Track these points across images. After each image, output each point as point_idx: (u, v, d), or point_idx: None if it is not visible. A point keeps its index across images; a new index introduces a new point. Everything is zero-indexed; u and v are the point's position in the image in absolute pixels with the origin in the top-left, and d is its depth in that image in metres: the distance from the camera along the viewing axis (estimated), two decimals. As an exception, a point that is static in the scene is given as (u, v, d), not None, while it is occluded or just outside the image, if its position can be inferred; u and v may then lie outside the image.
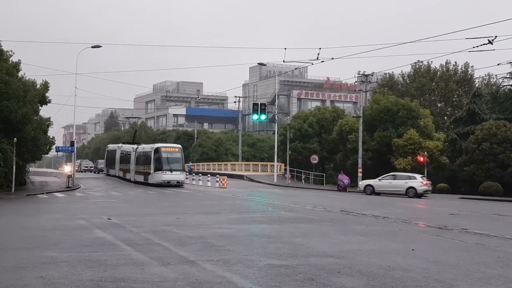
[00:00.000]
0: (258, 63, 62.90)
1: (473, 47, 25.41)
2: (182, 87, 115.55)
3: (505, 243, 12.62)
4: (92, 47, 39.09)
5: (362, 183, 36.27)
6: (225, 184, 38.34)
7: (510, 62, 40.91)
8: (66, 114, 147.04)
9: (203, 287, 7.54)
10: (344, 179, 38.87)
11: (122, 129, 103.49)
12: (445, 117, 56.71)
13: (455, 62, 58.22)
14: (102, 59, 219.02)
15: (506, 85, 44.77)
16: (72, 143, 40.97)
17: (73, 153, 42.04)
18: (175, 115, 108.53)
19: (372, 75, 44.42)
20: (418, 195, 32.41)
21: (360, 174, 39.75)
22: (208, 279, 8.03)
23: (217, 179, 39.71)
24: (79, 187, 36.83)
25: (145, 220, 16.44)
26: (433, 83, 57.66)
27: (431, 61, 58.36)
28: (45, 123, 36.24)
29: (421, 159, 36.59)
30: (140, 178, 41.35)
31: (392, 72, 61.48)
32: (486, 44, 24.40)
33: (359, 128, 41.67)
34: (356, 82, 46.67)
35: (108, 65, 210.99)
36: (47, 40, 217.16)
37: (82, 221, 15.92)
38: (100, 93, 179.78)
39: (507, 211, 23.02)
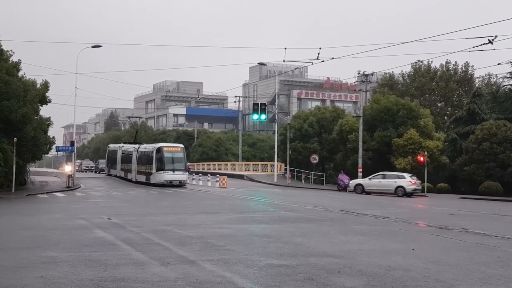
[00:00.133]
0: (258, 63, 62.89)
1: (473, 47, 25.42)
2: (182, 87, 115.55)
3: (505, 243, 12.62)
4: (92, 46, 39.08)
5: (352, 182, 36.61)
6: (225, 184, 38.32)
7: (510, 62, 40.91)
8: (66, 114, 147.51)
9: (203, 287, 7.54)
10: (344, 179, 38.92)
11: (122, 129, 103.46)
12: (445, 117, 56.72)
13: (455, 62, 58.41)
14: (102, 59, 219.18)
15: (506, 85, 44.76)
16: (72, 143, 40.96)
17: (73, 153, 42.02)
18: (175, 115, 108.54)
19: (372, 75, 44.42)
20: (407, 194, 32.78)
21: (360, 174, 39.73)
22: (208, 279, 8.03)
23: (217, 179, 39.65)
24: (79, 187, 36.82)
25: (145, 220, 16.44)
26: (433, 83, 57.69)
27: (431, 61, 58.51)
28: (45, 123, 36.25)
29: (421, 159, 36.59)
30: (142, 178, 41.09)
31: (392, 72, 61.61)
32: (486, 43, 24.40)
33: (359, 128, 41.67)
34: (356, 82, 46.69)
35: (108, 65, 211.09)
36: (47, 40, 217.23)
37: (82, 221, 15.92)
38: (100, 93, 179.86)
39: (507, 211, 23.02)
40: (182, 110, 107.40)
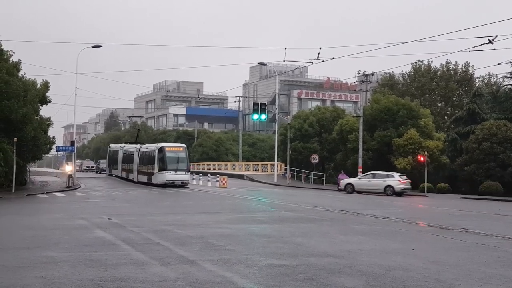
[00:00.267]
0: (258, 63, 62.88)
1: (474, 47, 25.41)
2: (183, 87, 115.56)
3: (506, 242, 12.62)
4: (93, 46, 39.10)
5: (343, 182, 36.87)
6: (225, 184, 38.30)
7: (511, 62, 40.87)
8: (66, 114, 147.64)
9: (203, 287, 7.54)
10: (345, 178, 38.93)
11: (123, 128, 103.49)
12: (446, 117, 56.70)
13: (456, 62, 58.33)
14: (103, 59, 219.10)
15: (507, 85, 44.74)
16: (72, 143, 40.98)
17: (73, 153, 42.02)
18: (175, 115, 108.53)
19: (373, 75, 44.43)
20: (396, 193, 33.24)
21: (360, 174, 39.72)
22: (208, 278, 8.03)
23: (217, 179, 39.58)
24: (80, 187, 36.83)
25: (145, 219, 16.44)
26: (434, 83, 57.67)
27: (432, 61, 58.45)
28: (46, 123, 36.27)
29: (422, 158, 36.59)
30: (144, 179, 40.74)
31: (393, 71, 61.58)
32: (487, 43, 24.40)
33: (360, 127, 41.67)
34: (356, 81, 46.70)
35: (108, 65, 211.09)
36: (48, 40, 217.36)
37: (82, 221, 15.93)
38: (101, 93, 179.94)
39: (507, 210, 23.01)
40: (182, 110, 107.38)
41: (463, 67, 57.88)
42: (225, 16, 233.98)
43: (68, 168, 40.39)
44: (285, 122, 53.78)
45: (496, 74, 67.60)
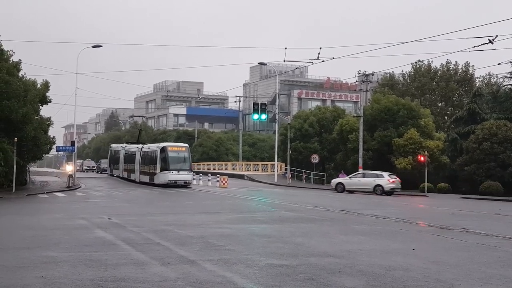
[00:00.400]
0: (258, 63, 62.85)
1: (474, 47, 25.38)
2: (183, 87, 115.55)
3: (506, 242, 12.61)
4: (93, 46, 39.09)
5: (334, 181, 37.45)
6: (226, 183, 38.28)
7: (511, 62, 40.85)
8: (66, 114, 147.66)
9: (204, 287, 7.54)
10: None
11: (123, 128, 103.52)
12: (446, 117, 56.71)
13: (456, 62, 58.35)
14: (103, 59, 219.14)
15: (507, 85, 44.73)
16: (72, 143, 40.98)
17: (73, 153, 42.01)
18: (176, 115, 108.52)
19: (373, 75, 44.43)
20: (385, 192, 33.69)
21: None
22: (209, 278, 8.02)
23: (218, 179, 39.52)
24: (80, 187, 36.81)
25: (145, 219, 16.44)
26: (434, 83, 57.67)
27: (432, 61, 58.47)
28: (46, 123, 36.28)
29: (422, 158, 36.59)
30: (146, 179, 40.36)
31: (393, 71, 61.65)
32: (487, 43, 24.37)
33: (360, 127, 41.67)
34: (356, 81, 46.66)
35: (108, 65, 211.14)
36: (48, 40, 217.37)
37: (82, 221, 15.93)
38: (101, 92, 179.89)
39: (508, 210, 23.00)
40: (182, 110, 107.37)
41: (463, 67, 57.90)
42: (225, 16, 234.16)
43: (69, 168, 40.35)
44: (285, 122, 53.77)
45: (496, 74, 67.69)
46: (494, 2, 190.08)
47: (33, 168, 53.70)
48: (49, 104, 36.86)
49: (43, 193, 30.99)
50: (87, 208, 21.28)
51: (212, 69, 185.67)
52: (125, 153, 48.24)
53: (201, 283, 7.71)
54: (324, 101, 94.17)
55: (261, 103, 44.28)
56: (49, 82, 36.22)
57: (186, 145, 41.08)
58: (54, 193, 31.10)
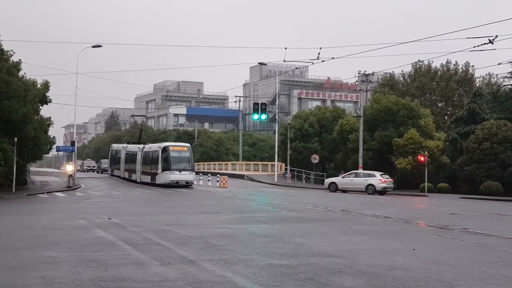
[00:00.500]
0: (258, 63, 62.87)
1: (474, 47, 25.37)
2: (183, 87, 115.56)
3: (506, 242, 12.61)
4: (93, 46, 39.08)
5: (327, 181, 38.16)
6: (226, 183, 38.27)
7: (511, 62, 40.85)
8: (66, 114, 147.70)
9: (204, 287, 7.53)
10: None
11: (123, 128, 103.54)
12: (446, 117, 56.70)
13: (456, 62, 58.31)
14: (103, 59, 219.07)
15: (507, 85, 44.74)
16: (72, 143, 40.98)
17: (73, 153, 42.01)
18: (176, 115, 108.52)
19: (373, 75, 44.44)
20: (377, 191, 34.19)
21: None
22: (209, 278, 8.02)
23: (218, 179, 39.48)
24: (80, 187, 36.80)
25: (145, 219, 16.44)
26: (434, 83, 57.66)
27: (432, 61, 58.44)
28: (46, 123, 36.30)
29: (422, 158, 36.59)
30: (147, 179, 40.06)
31: (393, 71, 61.63)
32: (487, 43, 24.36)
33: (360, 127, 41.67)
34: (356, 81, 46.64)
35: (109, 65, 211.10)
36: (48, 40, 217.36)
37: (82, 221, 15.92)
38: (101, 92, 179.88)
39: (508, 210, 23.00)
40: (182, 110, 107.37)
41: (464, 67, 57.89)
42: (225, 16, 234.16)
43: (69, 168, 40.34)
44: (286, 122, 53.78)
45: (497, 74, 67.64)
46: (494, 2, 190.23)
47: (33, 168, 53.72)
48: (49, 104, 36.89)
49: (43, 193, 30.99)
50: (87, 208, 21.27)
51: (212, 69, 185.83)
52: (126, 153, 47.95)
53: (201, 283, 7.71)
54: (324, 101, 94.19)
55: (261, 103, 44.25)
56: (49, 82, 36.24)
57: (188, 144, 40.74)
58: (54, 193, 31.10)
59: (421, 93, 56.64)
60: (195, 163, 66.77)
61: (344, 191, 35.65)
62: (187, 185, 37.29)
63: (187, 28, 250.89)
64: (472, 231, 14.53)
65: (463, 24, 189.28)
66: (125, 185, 40.57)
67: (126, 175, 47.06)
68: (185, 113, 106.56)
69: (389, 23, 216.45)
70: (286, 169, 50.66)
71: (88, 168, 73.85)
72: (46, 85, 35.91)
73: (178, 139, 74.33)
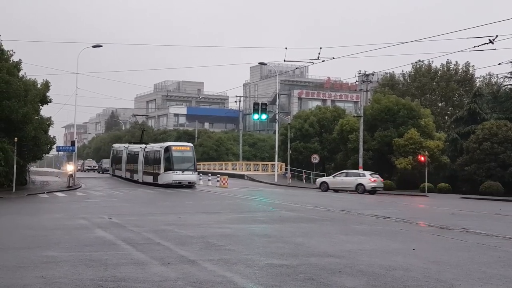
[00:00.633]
0: (259, 63, 62.88)
1: (474, 47, 25.35)
2: (183, 87, 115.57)
3: (506, 242, 12.61)
4: (93, 46, 39.07)
5: (318, 180, 38.78)
6: (226, 183, 38.26)
7: (511, 62, 40.85)
8: (67, 114, 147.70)
9: (204, 287, 7.54)
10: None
11: (123, 128, 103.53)
12: (446, 117, 56.68)
13: (456, 62, 58.31)
14: (103, 59, 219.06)
15: (507, 85, 44.73)
16: (73, 143, 40.98)
17: (74, 153, 42.00)
18: (176, 115, 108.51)
19: (373, 75, 44.44)
20: (367, 191, 34.72)
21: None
22: (209, 278, 8.02)
23: (218, 179, 39.44)
24: (80, 187, 36.79)
25: (145, 219, 16.44)
26: (434, 83, 57.66)
27: (432, 61, 58.44)
28: (46, 123, 36.30)
29: (422, 158, 36.59)
30: (149, 179, 39.69)
31: (393, 71, 61.64)
32: (487, 43, 24.34)
33: (360, 127, 41.67)
34: (357, 81, 46.63)
35: (109, 65, 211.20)
36: (48, 40, 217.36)
37: (82, 221, 15.93)
38: (101, 92, 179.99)
39: (508, 210, 23.00)
40: (182, 110, 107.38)
41: (464, 67, 57.88)
42: (225, 16, 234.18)
43: (69, 167, 40.32)
44: (286, 122, 53.78)
45: (497, 74, 67.51)
46: (494, 2, 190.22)
47: (33, 168, 53.68)
48: (49, 104, 36.91)
49: (44, 193, 31.00)
50: (87, 208, 21.27)
51: (212, 69, 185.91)
52: (128, 153, 47.56)
53: (201, 283, 7.71)
54: (324, 101, 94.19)
55: (261, 103, 44.21)
56: (49, 82, 36.25)
57: (191, 144, 40.35)
58: (54, 193, 31.11)
59: (421, 93, 56.64)
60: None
61: (335, 190, 36.07)
62: (190, 185, 36.93)
63: (187, 28, 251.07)
64: (472, 231, 14.53)
65: (463, 24, 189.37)
66: (126, 185, 40.51)
67: (128, 175, 46.74)
68: (186, 113, 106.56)
69: (389, 23, 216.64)
70: (286, 169, 50.66)
71: (89, 168, 73.66)
72: (46, 85, 35.92)
73: (178, 139, 74.28)
